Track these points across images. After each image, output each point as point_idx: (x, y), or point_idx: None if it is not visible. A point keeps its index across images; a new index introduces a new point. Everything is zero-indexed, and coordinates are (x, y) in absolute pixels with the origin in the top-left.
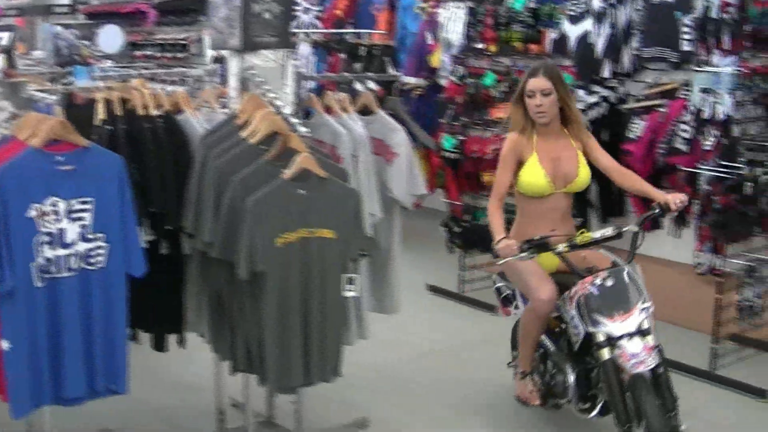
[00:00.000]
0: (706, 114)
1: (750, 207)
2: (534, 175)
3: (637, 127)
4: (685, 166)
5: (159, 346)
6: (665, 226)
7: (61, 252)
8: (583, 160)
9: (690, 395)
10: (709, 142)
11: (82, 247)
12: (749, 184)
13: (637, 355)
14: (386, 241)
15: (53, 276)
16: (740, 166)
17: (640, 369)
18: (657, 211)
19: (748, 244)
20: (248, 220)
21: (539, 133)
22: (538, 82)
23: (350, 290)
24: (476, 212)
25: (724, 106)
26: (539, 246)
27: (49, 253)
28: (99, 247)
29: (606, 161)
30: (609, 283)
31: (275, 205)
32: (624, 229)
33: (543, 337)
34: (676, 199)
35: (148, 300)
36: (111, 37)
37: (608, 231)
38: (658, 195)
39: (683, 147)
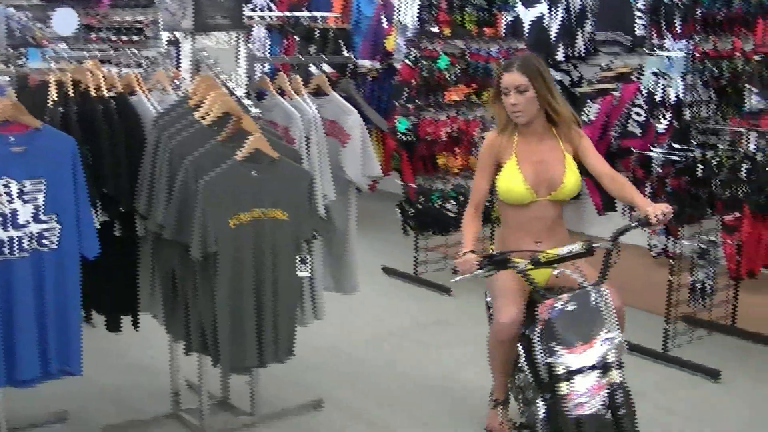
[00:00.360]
0: (657, 97)
1: (701, 190)
2: (512, 180)
3: (591, 111)
4: (638, 149)
5: (113, 327)
6: (619, 209)
7: (14, 233)
8: (571, 165)
9: (644, 376)
10: (661, 125)
11: (34, 228)
12: (700, 166)
13: (581, 395)
14: (343, 223)
15: (6, 257)
16: (691, 149)
17: (578, 413)
18: (635, 224)
19: (700, 226)
20: (201, 202)
21: (520, 134)
22: (512, 78)
23: (303, 271)
24: (431, 194)
25: (676, 89)
26: (498, 263)
27: (1, 234)
28: (52, 228)
29: (598, 165)
30: (570, 308)
31: (228, 186)
32: (596, 246)
33: (522, 362)
34: (657, 211)
35: (101, 281)
36: (65, 20)
37: (576, 247)
38: (642, 205)
39: (637, 130)
